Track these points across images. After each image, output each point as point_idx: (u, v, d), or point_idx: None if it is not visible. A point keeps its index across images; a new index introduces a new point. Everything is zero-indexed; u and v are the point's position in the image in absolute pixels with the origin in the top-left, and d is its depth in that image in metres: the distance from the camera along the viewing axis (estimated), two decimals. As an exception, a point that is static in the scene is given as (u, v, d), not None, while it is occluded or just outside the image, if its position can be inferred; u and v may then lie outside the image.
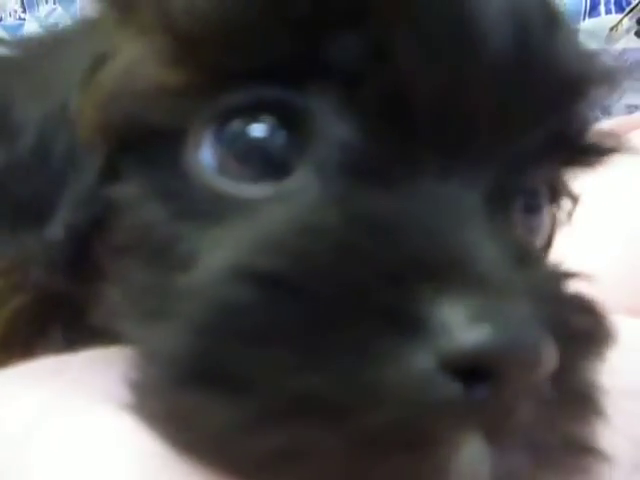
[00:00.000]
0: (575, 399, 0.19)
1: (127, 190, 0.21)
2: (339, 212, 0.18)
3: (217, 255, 0.19)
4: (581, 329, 0.20)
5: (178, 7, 0.19)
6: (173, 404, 0.18)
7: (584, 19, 1.00)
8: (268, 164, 0.20)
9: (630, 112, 0.93)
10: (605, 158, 0.24)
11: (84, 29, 0.26)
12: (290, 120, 0.20)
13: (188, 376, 0.17)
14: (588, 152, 0.24)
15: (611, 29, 1.00)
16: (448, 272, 0.17)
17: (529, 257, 0.21)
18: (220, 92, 0.20)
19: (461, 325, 0.15)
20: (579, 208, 0.31)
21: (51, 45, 0.27)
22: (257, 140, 0.20)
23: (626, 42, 0.99)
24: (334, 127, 0.20)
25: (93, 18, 0.26)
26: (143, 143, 0.21)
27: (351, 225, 0.18)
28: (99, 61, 0.21)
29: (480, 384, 0.15)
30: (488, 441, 0.16)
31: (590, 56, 0.24)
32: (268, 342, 0.17)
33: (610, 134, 0.25)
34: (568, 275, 0.22)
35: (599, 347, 0.21)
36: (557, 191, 0.26)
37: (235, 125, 0.20)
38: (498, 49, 0.20)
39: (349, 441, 0.16)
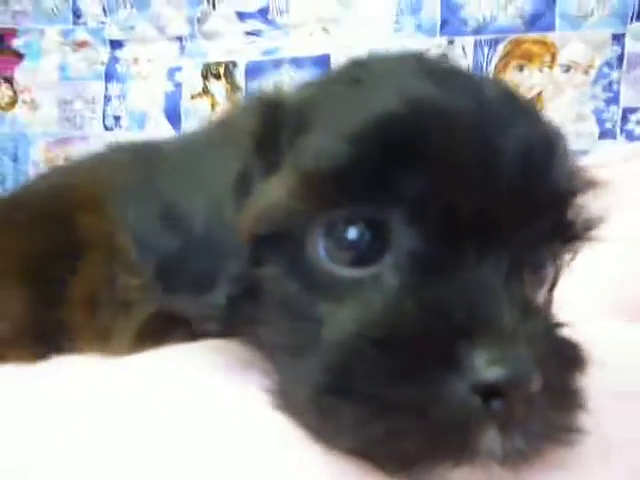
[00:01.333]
0: (560, 401, 0.29)
1: (269, 272, 0.32)
2: (412, 297, 0.29)
3: (337, 319, 0.30)
4: (566, 357, 0.30)
5: (308, 164, 0.30)
6: (312, 408, 0.29)
7: (631, 21, 1.00)
8: (361, 255, 0.30)
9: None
10: (589, 235, 0.35)
11: (223, 140, 0.36)
12: (374, 228, 0.30)
13: (324, 392, 0.28)
14: (577, 235, 0.34)
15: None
16: (478, 331, 0.27)
17: (533, 311, 0.30)
18: (329, 210, 0.30)
19: (483, 367, 0.26)
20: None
21: (198, 151, 0.37)
22: (352, 239, 0.30)
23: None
24: (404, 234, 0.30)
25: (228, 130, 0.36)
26: (280, 241, 0.31)
27: (420, 306, 0.28)
28: (240, 179, 0.33)
29: (495, 400, 0.26)
30: (500, 432, 0.26)
31: (577, 172, 0.34)
32: (373, 377, 0.27)
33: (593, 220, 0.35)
34: (559, 323, 0.33)
35: (579, 369, 0.31)
36: (558, 258, 0.37)
37: (339, 230, 0.30)
38: (512, 178, 0.30)
39: (424, 429, 0.27)
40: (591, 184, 0.35)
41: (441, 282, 0.29)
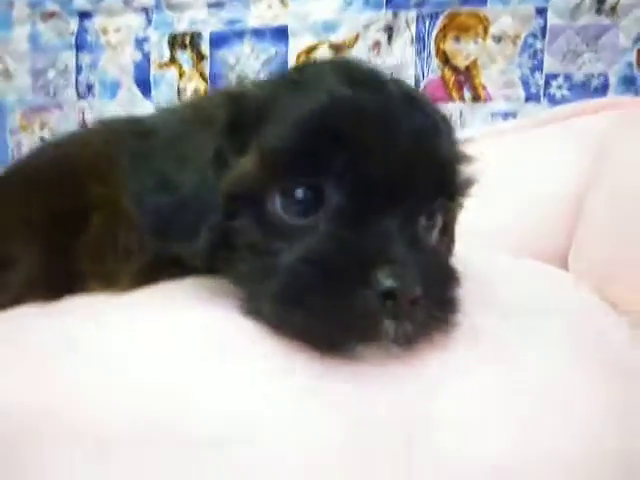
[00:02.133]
0: (439, 304, 0.41)
1: (240, 223, 0.43)
2: (338, 238, 0.40)
3: (288, 253, 0.41)
4: (445, 276, 0.43)
5: (267, 146, 0.42)
6: (272, 311, 0.40)
7: None
8: (304, 209, 0.42)
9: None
10: (464, 192, 0.48)
11: (200, 123, 0.46)
12: (312, 190, 0.41)
13: (279, 301, 0.40)
14: (456, 192, 0.47)
15: (574, 7, 1.13)
16: (381, 260, 0.38)
17: (422, 246, 0.42)
18: (282, 178, 0.41)
19: (382, 281, 0.37)
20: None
21: (181, 132, 0.47)
22: (298, 198, 0.42)
23: (587, 19, 1.13)
24: (333, 195, 0.41)
25: (204, 116, 0.46)
26: (248, 200, 0.42)
27: (343, 244, 0.40)
28: (217, 154, 0.43)
29: (390, 301, 0.37)
30: (394, 321, 0.38)
31: (455, 148, 0.46)
32: (310, 289, 0.39)
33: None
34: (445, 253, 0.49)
35: (454, 284, 0.43)
36: (449, 209, 0.49)
37: (289, 192, 0.41)
38: (406, 152, 0.41)
39: (346, 321, 0.38)
40: (464, 157, 0.47)
41: (357, 228, 0.40)
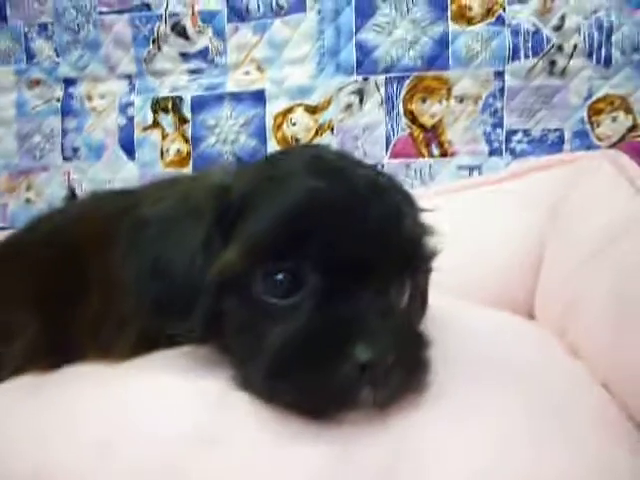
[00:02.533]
0: (411, 367, 0.46)
1: (228, 305, 0.48)
2: (318, 315, 0.45)
3: (273, 333, 0.46)
4: (414, 341, 0.48)
5: (248, 238, 0.47)
6: (261, 385, 0.45)
7: (509, 62, 1.23)
8: (285, 291, 0.47)
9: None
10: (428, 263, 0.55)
11: (190, 213, 0.51)
12: (292, 274, 0.47)
13: (267, 377, 0.45)
14: (420, 264, 0.54)
15: (529, 70, 1.23)
16: (358, 333, 0.43)
17: (394, 316, 0.48)
18: (263, 265, 0.47)
19: (360, 354, 0.42)
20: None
21: (173, 220, 0.52)
22: (279, 281, 0.47)
23: (541, 80, 1.23)
24: (311, 276, 0.46)
25: (193, 207, 0.52)
26: (234, 285, 0.47)
27: (323, 321, 0.45)
28: (205, 244, 0.49)
29: (367, 371, 0.42)
30: (372, 389, 0.42)
31: (418, 226, 0.53)
32: (294, 365, 0.44)
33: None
34: (415, 315, 0.55)
35: (423, 347, 0.48)
36: (417, 278, 0.55)
37: (270, 276, 0.47)
38: (374, 235, 0.47)
39: (328, 392, 0.43)
40: (427, 230, 0.53)
41: (334, 304, 0.45)
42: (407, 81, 1.28)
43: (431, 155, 1.29)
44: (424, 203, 0.58)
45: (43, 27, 1.42)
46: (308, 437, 0.43)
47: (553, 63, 1.22)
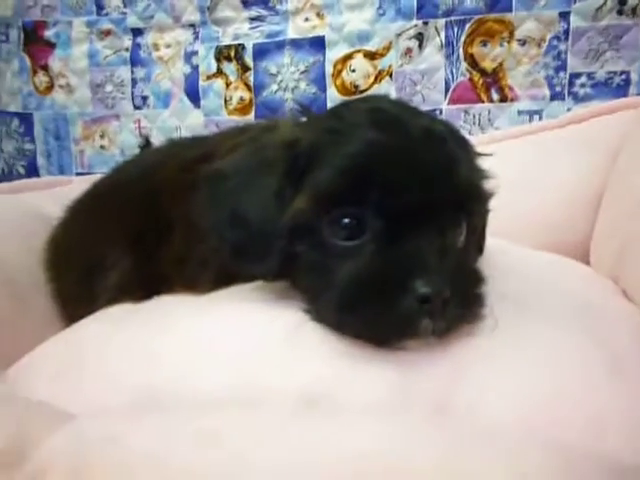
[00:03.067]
0: (467, 301, 0.50)
1: (300, 248, 0.53)
2: (380, 256, 0.49)
3: (341, 270, 0.50)
4: (469, 278, 0.52)
5: (316, 187, 0.52)
6: (333, 317, 0.50)
7: (575, 2, 1.19)
8: (350, 234, 0.51)
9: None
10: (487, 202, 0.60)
11: (263, 166, 0.56)
12: (356, 219, 0.51)
13: (338, 309, 0.49)
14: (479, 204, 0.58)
15: (597, 9, 1.19)
16: (417, 271, 0.47)
17: (451, 255, 0.50)
18: (331, 211, 0.51)
19: (419, 288, 0.46)
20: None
21: (247, 173, 0.57)
22: (345, 225, 0.51)
23: (609, 20, 1.19)
24: (374, 221, 0.50)
25: (265, 160, 0.56)
26: (305, 229, 0.52)
27: (382, 261, 0.49)
28: (278, 193, 0.54)
29: (427, 304, 0.46)
30: (430, 320, 0.47)
31: (473, 172, 0.57)
32: (362, 298, 0.48)
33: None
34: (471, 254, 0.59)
35: (479, 283, 0.52)
36: (473, 220, 0.57)
37: (337, 221, 0.51)
38: (429, 182, 0.51)
39: (392, 321, 0.47)
40: (483, 174, 0.57)
41: (395, 246, 0.49)
42: (468, 24, 1.27)
43: (491, 100, 1.29)
44: (482, 149, 0.61)
45: (111, -22, 1.48)
46: (374, 364, 0.48)
47: (623, 1, 1.18)
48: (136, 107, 1.52)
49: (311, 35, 1.36)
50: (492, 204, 0.60)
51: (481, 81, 1.29)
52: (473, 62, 1.28)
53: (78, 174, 1.53)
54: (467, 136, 0.60)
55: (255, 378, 0.50)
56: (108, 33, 1.51)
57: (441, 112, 1.31)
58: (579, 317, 0.56)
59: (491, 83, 1.28)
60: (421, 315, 0.46)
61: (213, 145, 0.74)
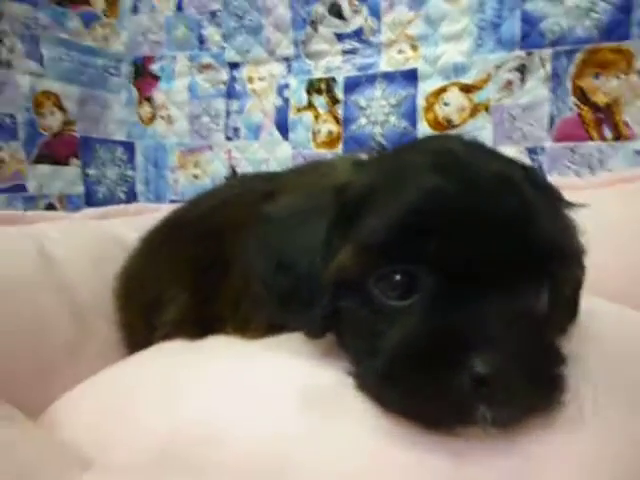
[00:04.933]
0: (539, 381, 0.41)
1: (346, 303, 0.48)
2: (433, 320, 0.42)
3: (389, 334, 0.44)
4: (546, 355, 0.43)
5: (364, 240, 0.46)
6: (377, 388, 0.44)
7: None
8: (401, 293, 0.45)
9: None
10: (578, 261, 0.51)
11: (313, 213, 0.52)
12: (408, 276, 0.44)
13: (383, 379, 0.43)
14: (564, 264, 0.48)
15: None
16: (477, 343, 0.39)
17: (524, 323, 0.43)
18: (380, 267, 0.45)
19: (476, 366, 0.38)
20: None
21: (297, 218, 0.53)
22: (396, 282, 0.45)
23: None
24: (427, 280, 0.44)
25: (316, 206, 0.52)
26: (352, 284, 0.47)
27: (438, 327, 0.42)
28: (326, 243, 0.49)
29: (484, 386, 0.38)
30: (489, 407, 0.38)
31: (556, 226, 0.47)
32: (410, 371, 0.41)
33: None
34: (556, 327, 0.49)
35: (557, 363, 0.43)
36: (558, 281, 0.48)
37: (388, 278, 0.45)
38: (493, 239, 0.43)
39: (442, 403, 0.40)
40: (571, 227, 0.48)
41: (452, 311, 0.42)
42: (578, 54, 1.15)
43: (602, 138, 1.15)
44: (585, 194, 0.52)
45: (212, 14, 1.53)
46: (418, 450, 0.41)
47: None
48: (228, 138, 1.54)
49: (404, 68, 1.30)
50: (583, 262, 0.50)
51: (592, 117, 1.15)
52: (583, 96, 1.15)
53: (171, 201, 1.58)
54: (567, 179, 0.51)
55: (279, 447, 0.44)
56: (208, 67, 1.56)
57: (543, 150, 1.18)
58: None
59: (603, 119, 1.14)
60: (476, 400, 0.39)
61: (282, 182, 0.71)
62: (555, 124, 1.18)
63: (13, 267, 0.80)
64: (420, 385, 0.41)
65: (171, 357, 0.65)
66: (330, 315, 0.49)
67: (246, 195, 0.77)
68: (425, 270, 0.44)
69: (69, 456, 0.50)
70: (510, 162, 0.51)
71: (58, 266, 0.89)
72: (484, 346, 0.39)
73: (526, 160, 1.20)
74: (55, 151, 1.46)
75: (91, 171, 1.57)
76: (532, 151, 1.19)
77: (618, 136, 1.14)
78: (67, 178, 1.49)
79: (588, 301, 0.71)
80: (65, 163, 1.49)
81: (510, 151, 1.21)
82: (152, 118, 1.65)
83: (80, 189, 1.53)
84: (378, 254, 0.45)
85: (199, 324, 0.70)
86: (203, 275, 0.72)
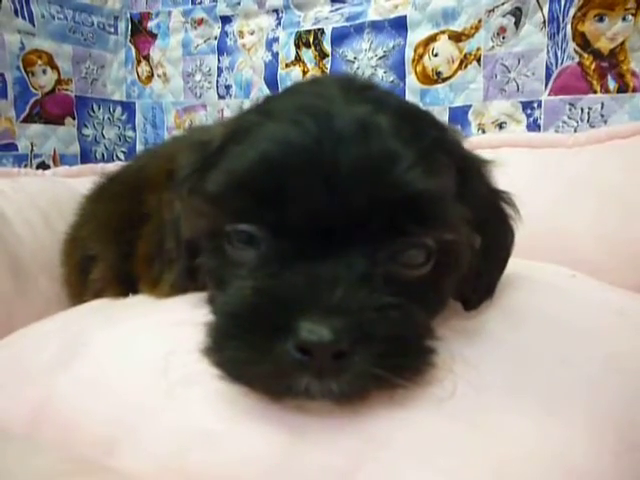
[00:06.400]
0: (388, 356, 0.37)
1: (202, 260, 0.48)
2: (260, 288, 0.39)
3: (234, 284, 0.42)
4: (403, 329, 0.38)
5: (207, 194, 0.43)
6: (212, 350, 0.40)
7: None
8: (245, 247, 0.43)
9: None
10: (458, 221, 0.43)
11: (186, 169, 0.51)
12: (250, 238, 0.42)
13: (218, 332, 0.40)
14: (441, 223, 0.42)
15: None
16: (306, 308, 0.36)
17: (374, 286, 0.39)
18: (223, 221, 0.43)
19: (301, 333, 0.34)
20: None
21: (180, 178, 0.52)
22: (242, 236, 0.42)
23: None
24: (266, 241, 0.41)
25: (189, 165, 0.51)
26: (203, 238, 0.47)
27: (264, 295, 0.38)
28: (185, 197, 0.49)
29: (308, 355, 0.34)
30: (315, 379, 0.35)
31: (421, 185, 0.40)
32: (236, 339, 0.38)
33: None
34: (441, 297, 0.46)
35: (414, 337, 0.40)
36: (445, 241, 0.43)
37: (233, 236, 0.43)
38: (341, 195, 0.39)
39: (264, 373, 0.37)
40: (436, 184, 0.41)
41: (287, 272, 0.39)
42: (579, -6, 1.01)
43: (606, 90, 1.02)
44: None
45: (202, -34, 1.46)
46: (257, 421, 0.39)
47: None
48: (220, 96, 1.49)
49: (393, 15, 1.20)
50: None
51: (594, 66, 1.02)
52: (584, 42, 1.02)
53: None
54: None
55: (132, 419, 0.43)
56: (201, 22, 1.50)
57: (540, 104, 1.07)
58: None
59: (607, 68, 1.01)
60: (299, 369, 0.35)
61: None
62: (553, 75, 1.06)
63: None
64: (244, 350, 0.37)
65: (78, 320, 0.63)
66: (194, 269, 0.49)
67: (172, 150, 0.73)
68: (262, 232, 0.41)
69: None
70: (380, 108, 0.43)
71: (4, 220, 0.89)
72: (314, 311, 0.35)
73: (520, 116, 1.09)
74: (48, 110, 1.46)
75: (87, 131, 1.56)
76: (527, 105, 1.08)
77: (624, 88, 1.01)
78: (62, 137, 1.50)
79: (544, 272, 0.65)
80: (60, 122, 1.49)
81: (503, 106, 1.10)
82: (150, 77, 1.61)
83: (75, 149, 1.53)
84: (220, 209, 0.43)
85: (124, 282, 0.70)
86: (126, 233, 0.71)
